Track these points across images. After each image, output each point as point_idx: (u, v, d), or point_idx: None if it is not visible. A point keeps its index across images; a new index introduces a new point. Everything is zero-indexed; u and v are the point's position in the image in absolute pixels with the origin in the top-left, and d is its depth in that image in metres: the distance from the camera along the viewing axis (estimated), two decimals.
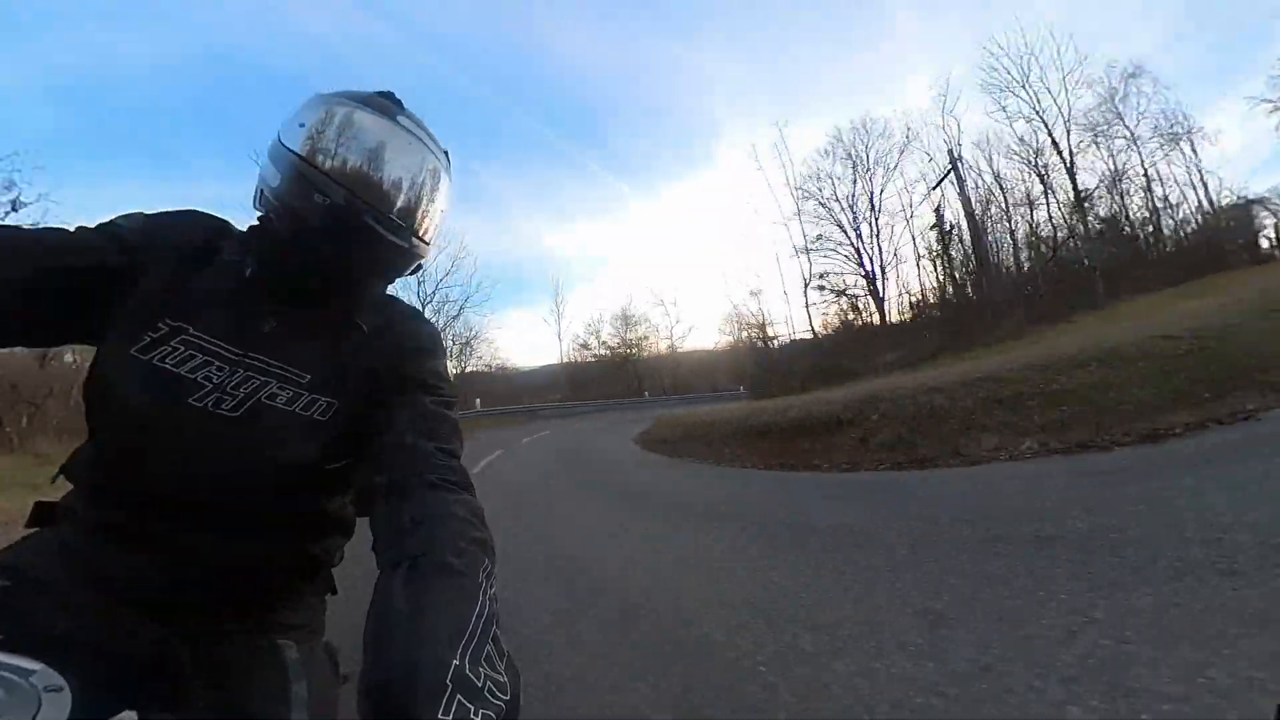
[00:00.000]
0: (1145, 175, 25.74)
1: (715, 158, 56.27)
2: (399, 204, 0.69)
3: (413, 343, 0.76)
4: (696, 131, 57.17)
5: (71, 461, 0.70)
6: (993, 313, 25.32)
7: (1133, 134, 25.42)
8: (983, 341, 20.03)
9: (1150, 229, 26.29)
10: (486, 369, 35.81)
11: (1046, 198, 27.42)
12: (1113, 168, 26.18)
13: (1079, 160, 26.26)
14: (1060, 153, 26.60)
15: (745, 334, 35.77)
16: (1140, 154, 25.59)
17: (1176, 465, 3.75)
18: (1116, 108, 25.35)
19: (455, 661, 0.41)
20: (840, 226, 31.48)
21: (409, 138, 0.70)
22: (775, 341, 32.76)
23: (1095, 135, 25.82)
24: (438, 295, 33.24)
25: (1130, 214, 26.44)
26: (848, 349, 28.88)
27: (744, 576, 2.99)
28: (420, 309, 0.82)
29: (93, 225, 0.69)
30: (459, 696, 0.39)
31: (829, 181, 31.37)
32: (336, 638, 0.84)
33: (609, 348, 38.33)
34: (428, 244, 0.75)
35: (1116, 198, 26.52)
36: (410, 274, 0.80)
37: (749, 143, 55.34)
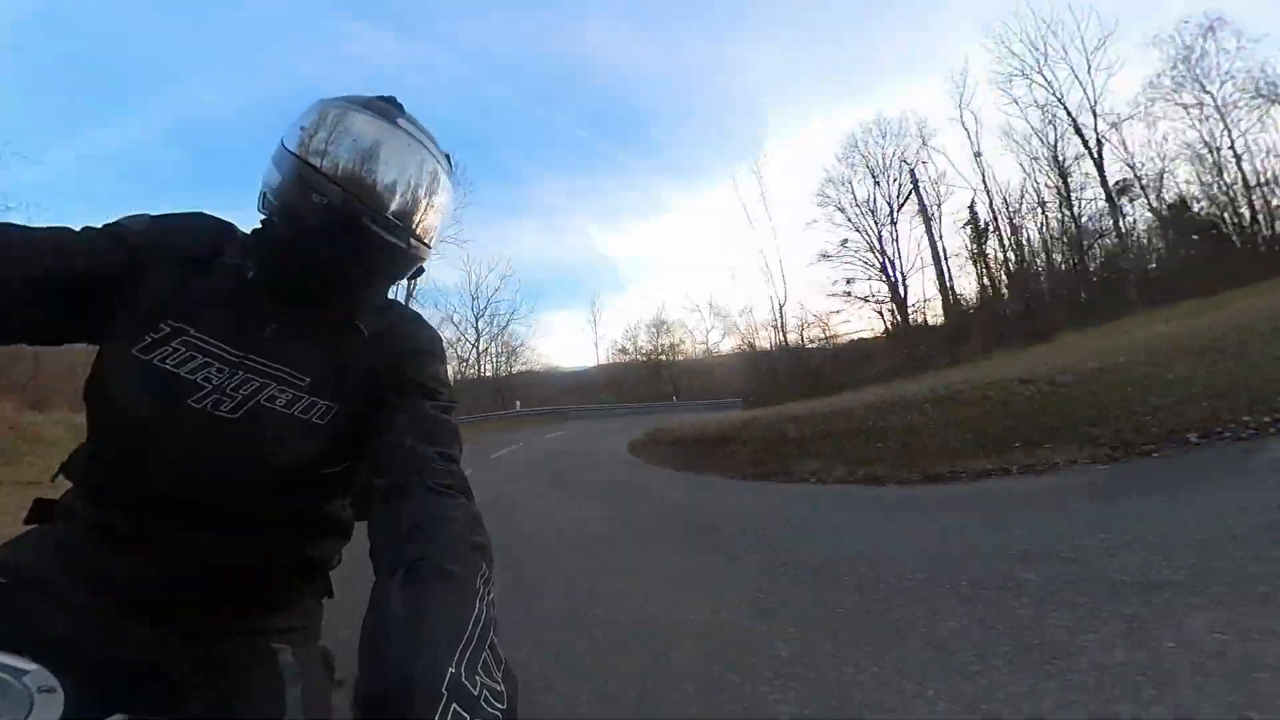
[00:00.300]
0: (1233, 149, 21.88)
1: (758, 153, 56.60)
2: (396, 205, 0.69)
3: (413, 346, 0.76)
4: (737, 130, 57.75)
5: (71, 460, 0.71)
6: (982, 326, 25.19)
7: (1215, 100, 21.81)
8: (948, 360, 20.80)
9: (1234, 214, 22.37)
10: (526, 370, 38.56)
11: (1065, 193, 25.37)
12: (1198, 136, 22.44)
13: (1110, 151, 23.84)
14: (1085, 141, 24.45)
15: (741, 342, 37.39)
16: (1225, 122, 21.86)
17: (925, 505, 4.46)
18: (1193, 70, 22.07)
19: (452, 669, 0.41)
20: (860, 231, 31.55)
21: (407, 139, 0.71)
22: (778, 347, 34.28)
23: (1151, 106, 22.77)
24: (489, 310, 36.33)
25: (1217, 194, 22.61)
26: (843, 360, 29.68)
27: (572, 512, 5.87)
28: (419, 312, 0.88)
29: (98, 227, 0.70)
30: (455, 705, 0.39)
31: (847, 186, 31.62)
32: (331, 642, 0.84)
33: (643, 353, 39.38)
34: (428, 245, 0.75)
35: (1185, 179, 23.05)
36: (411, 278, 0.80)
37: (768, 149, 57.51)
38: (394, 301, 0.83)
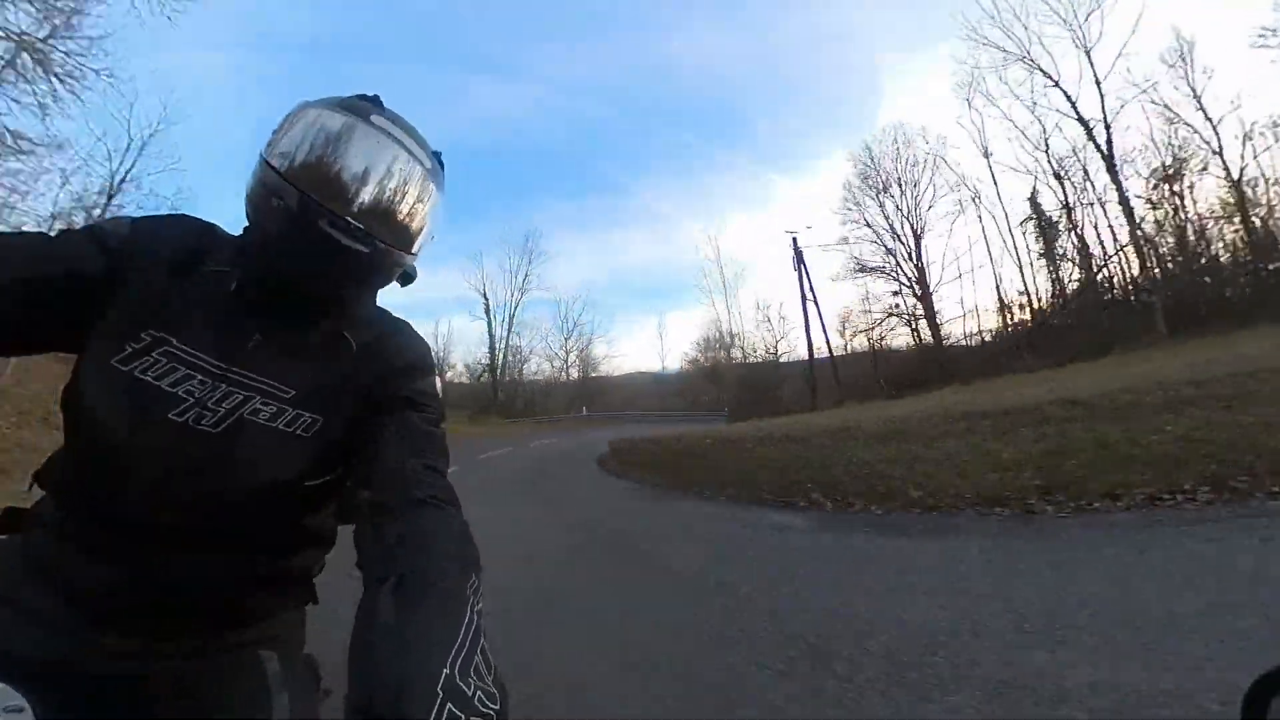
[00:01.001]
0: None
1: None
2: (359, 205, 0.65)
3: (402, 360, 0.75)
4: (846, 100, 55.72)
5: (46, 468, 0.69)
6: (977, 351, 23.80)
7: None
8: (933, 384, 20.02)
9: None
10: (604, 376, 42.17)
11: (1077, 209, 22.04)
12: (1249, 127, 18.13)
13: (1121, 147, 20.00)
14: (1093, 137, 21.08)
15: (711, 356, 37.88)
16: None
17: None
18: None
19: (446, 670, 0.42)
20: (883, 245, 29.51)
21: (378, 136, 0.67)
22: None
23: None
24: (575, 332, 40.69)
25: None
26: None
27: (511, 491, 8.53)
28: (408, 322, 0.82)
29: (78, 230, 0.67)
30: (450, 705, 0.40)
31: (868, 201, 29.64)
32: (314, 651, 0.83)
33: (707, 361, 39.90)
34: (404, 250, 0.71)
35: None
36: (402, 285, 0.77)
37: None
38: (384, 311, 0.81)
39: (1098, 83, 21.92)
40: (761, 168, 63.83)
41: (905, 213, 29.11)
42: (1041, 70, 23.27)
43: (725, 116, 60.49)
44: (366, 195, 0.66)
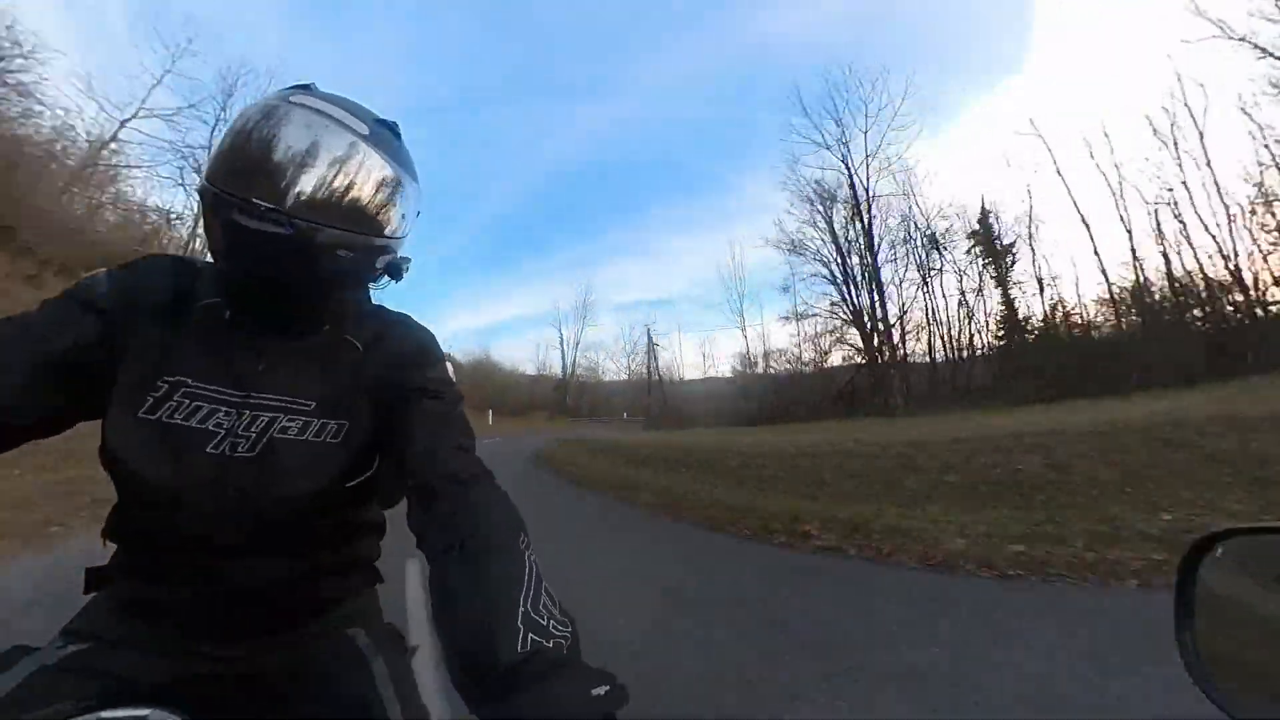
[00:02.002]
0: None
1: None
2: (279, 187, 0.60)
3: (409, 353, 0.76)
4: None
5: (109, 524, 0.71)
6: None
7: None
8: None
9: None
10: (659, 381, 44.76)
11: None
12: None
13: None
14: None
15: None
16: None
17: None
18: None
19: (521, 609, 0.49)
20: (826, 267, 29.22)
21: (293, 111, 0.62)
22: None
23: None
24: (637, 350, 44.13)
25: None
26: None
27: None
28: (408, 314, 0.82)
29: (60, 298, 0.66)
30: (531, 635, 0.47)
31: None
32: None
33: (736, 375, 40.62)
34: (350, 229, 0.65)
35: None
36: (393, 278, 0.75)
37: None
38: (380, 307, 0.81)
39: None
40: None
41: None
42: None
43: (831, 91, 54.71)
44: (285, 174, 0.61)
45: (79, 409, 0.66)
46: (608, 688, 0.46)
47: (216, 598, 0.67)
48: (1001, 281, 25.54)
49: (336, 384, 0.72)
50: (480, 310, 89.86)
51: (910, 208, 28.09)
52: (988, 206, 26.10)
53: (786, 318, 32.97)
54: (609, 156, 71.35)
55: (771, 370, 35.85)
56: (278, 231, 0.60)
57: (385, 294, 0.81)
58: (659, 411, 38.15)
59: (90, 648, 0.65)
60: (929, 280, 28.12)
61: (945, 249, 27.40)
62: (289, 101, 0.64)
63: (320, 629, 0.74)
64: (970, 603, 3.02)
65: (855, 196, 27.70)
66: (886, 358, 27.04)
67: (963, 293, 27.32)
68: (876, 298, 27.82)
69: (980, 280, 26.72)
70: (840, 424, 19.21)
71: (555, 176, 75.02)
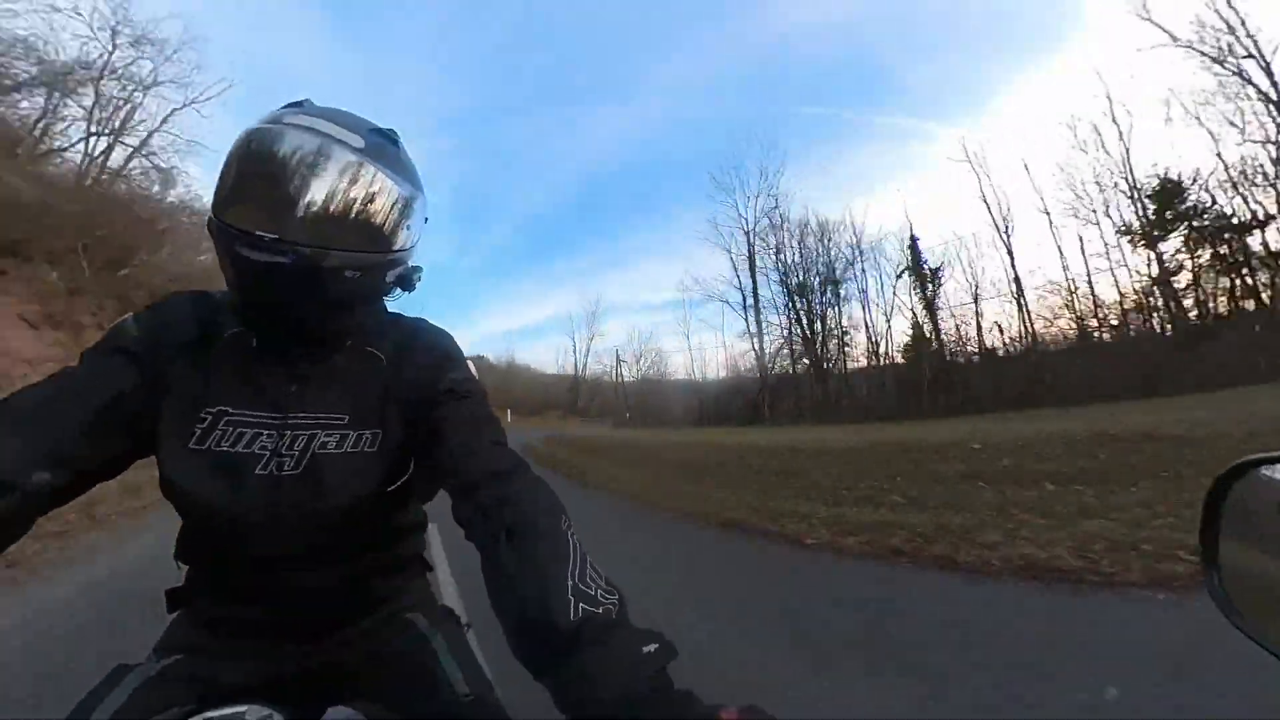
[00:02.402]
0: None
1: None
2: (275, 214, 0.61)
3: (432, 358, 0.79)
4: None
5: (179, 547, 0.77)
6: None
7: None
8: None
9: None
10: (660, 380, 46.04)
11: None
12: None
13: None
14: None
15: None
16: None
17: None
18: None
19: (570, 581, 0.53)
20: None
21: (292, 134, 0.62)
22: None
23: None
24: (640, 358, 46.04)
25: None
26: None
27: None
28: (424, 318, 0.85)
29: (96, 348, 0.70)
30: (581, 604, 0.51)
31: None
32: None
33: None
34: (354, 249, 0.66)
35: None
36: (404, 289, 0.77)
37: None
38: (397, 316, 0.84)
39: None
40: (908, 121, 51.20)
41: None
42: None
43: (857, 75, 55.25)
44: (282, 201, 0.62)
45: (135, 447, 0.69)
46: (657, 645, 0.49)
47: (285, 607, 0.74)
48: (930, 304, 26.87)
49: (366, 396, 0.75)
50: (510, 313, 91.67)
51: (828, 239, 30.95)
52: (915, 232, 27.77)
53: (742, 334, 36.45)
54: (634, 158, 71.27)
55: (719, 377, 39.62)
56: (281, 261, 0.62)
57: (413, 299, 0.82)
58: (625, 413, 42.35)
59: (183, 659, 0.71)
60: (840, 304, 30.94)
61: (843, 282, 30.21)
62: (281, 123, 0.64)
63: (384, 618, 0.81)
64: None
65: (751, 244, 32.34)
66: (760, 374, 32.05)
67: (866, 315, 29.73)
68: (793, 317, 31.62)
69: (893, 301, 28.87)
70: (724, 429, 23.93)
71: (583, 179, 75.75)
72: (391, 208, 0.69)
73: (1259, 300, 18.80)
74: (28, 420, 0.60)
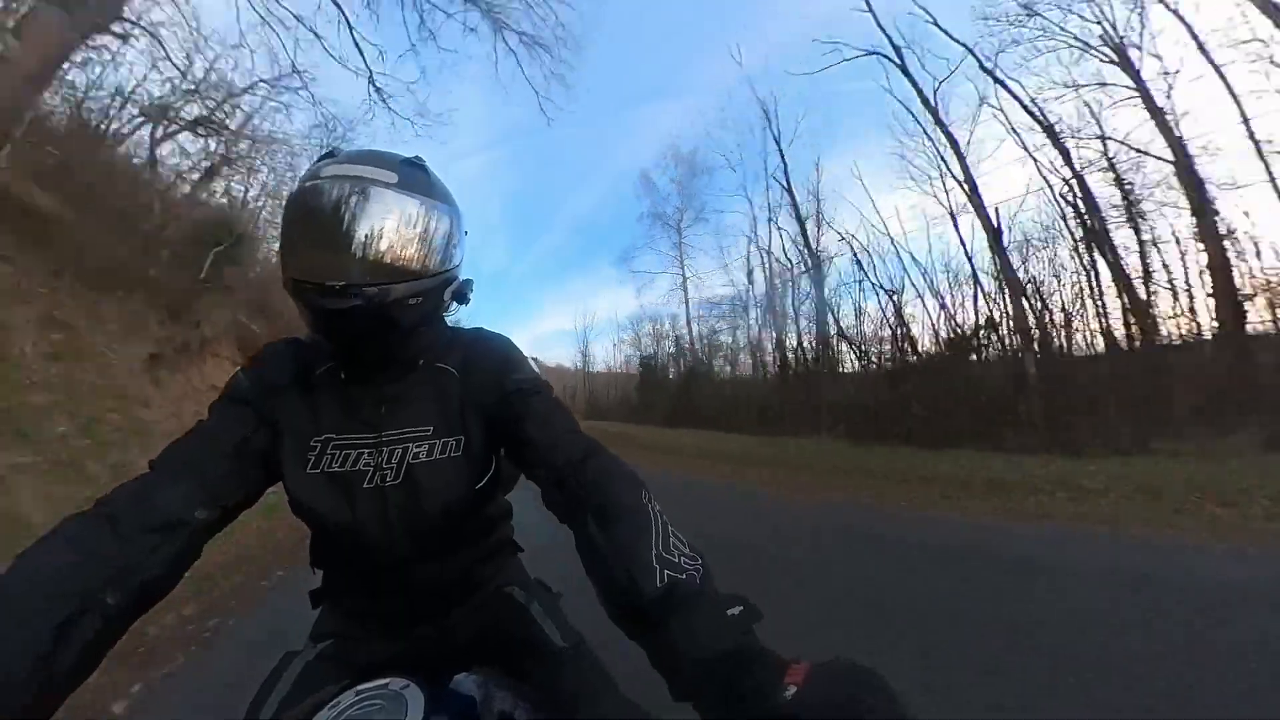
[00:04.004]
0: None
1: None
2: (337, 264, 0.69)
3: (496, 364, 0.86)
4: None
5: (313, 556, 0.89)
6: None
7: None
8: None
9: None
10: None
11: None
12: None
13: None
14: None
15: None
16: None
17: None
18: None
19: (655, 550, 0.58)
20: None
21: (331, 185, 0.70)
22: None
23: None
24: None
25: None
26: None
27: None
28: (481, 327, 0.94)
29: (221, 402, 0.80)
30: (666, 571, 0.56)
31: None
32: None
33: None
34: (406, 278, 0.74)
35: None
36: (460, 303, 0.88)
37: None
38: (456, 330, 0.92)
39: None
40: None
41: None
42: None
43: None
44: (340, 249, 0.70)
45: (266, 478, 0.80)
46: (741, 608, 0.53)
47: (406, 597, 0.86)
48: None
49: (445, 407, 0.83)
50: (577, 314, 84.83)
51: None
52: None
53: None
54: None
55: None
56: (353, 305, 0.70)
57: (481, 308, 0.93)
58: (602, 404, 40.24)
59: (333, 644, 0.85)
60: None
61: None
62: (320, 177, 0.71)
63: (488, 596, 0.93)
64: None
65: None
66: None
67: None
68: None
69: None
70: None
71: (631, 179, 69.98)
72: (435, 230, 0.77)
73: None
74: (184, 469, 0.72)
